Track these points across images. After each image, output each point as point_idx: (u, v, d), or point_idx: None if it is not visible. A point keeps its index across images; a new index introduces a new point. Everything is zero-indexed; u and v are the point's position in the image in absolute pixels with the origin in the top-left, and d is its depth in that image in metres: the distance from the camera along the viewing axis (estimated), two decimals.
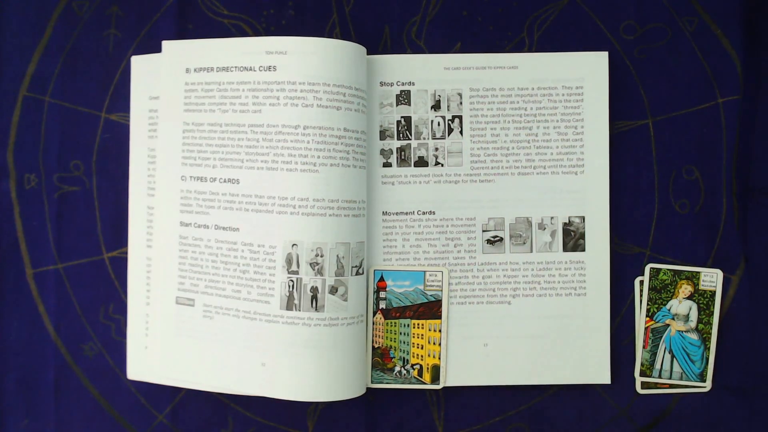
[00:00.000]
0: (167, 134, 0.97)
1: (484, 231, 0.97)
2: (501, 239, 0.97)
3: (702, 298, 0.98)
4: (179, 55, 0.97)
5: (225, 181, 0.95)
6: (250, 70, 0.94)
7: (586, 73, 0.97)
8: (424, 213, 0.97)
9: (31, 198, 1.00)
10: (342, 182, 0.92)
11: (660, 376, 0.99)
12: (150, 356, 0.98)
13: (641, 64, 0.99)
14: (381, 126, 0.97)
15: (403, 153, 0.97)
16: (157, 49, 0.98)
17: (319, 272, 0.93)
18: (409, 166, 0.97)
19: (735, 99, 0.99)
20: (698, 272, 0.98)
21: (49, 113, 1.00)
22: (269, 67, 0.94)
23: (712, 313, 0.98)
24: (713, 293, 0.98)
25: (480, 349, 0.98)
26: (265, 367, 0.94)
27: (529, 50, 0.99)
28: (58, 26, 1.00)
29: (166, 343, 0.97)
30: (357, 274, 0.94)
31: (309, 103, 0.92)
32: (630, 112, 0.99)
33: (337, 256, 0.93)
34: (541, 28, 0.99)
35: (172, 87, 0.97)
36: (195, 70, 0.96)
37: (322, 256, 0.93)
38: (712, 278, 0.98)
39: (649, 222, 0.99)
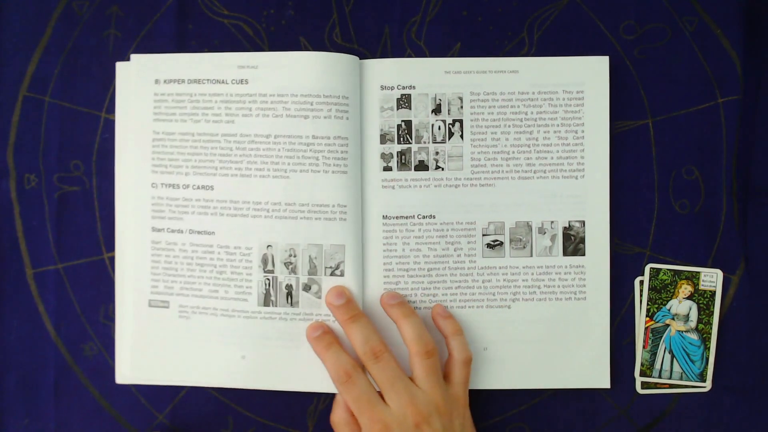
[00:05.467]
0: (134, 142, 0.98)
1: (484, 235, 0.97)
2: (501, 243, 0.97)
3: (702, 298, 0.98)
4: (148, 66, 0.98)
5: (199, 188, 0.97)
6: (223, 82, 0.97)
7: (587, 77, 0.97)
8: (424, 217, 0.97)
9: (31, 198, 1.00)
10: (311, 187, 0.95)
11: (660, 376, 0.99)
12: (125, 359, 0.99)
13: (641, 64, 0.99)
14: (382, 130, 0.97)
15: (403, 157, 0.97)
16: (157, 50, 0.99)
17: (293, 271, 0.96)
18: (410, 170, 0.97)
19: (735, 99, 0.99)
20: (698, 272, 0.99)
21: (49, 113, 1.00)
22: (241, 80, 0.97)
23: (712, 313, 0.98)
24: (713, 293, 0.98)
25: (480, 353, 0.98)
26: (245, 360, 0.97)
27: (529, 50, 0.99)
28: (58, 26, 1.00)
29: (138, 346, 0.99)
30: (332, 275, 0.96)
31: (279, 114, 0.96)
32: (630, 113, 0.99)
33: (309, 256, 0.96)
34: (540, 29, 0.99)
35: (139, 97, 0.98)
36: (165, 81, 0.98)
37: (295, 256, 0.96)
38: (712, 278, 0.98)
39: (649, 222, 0.99)
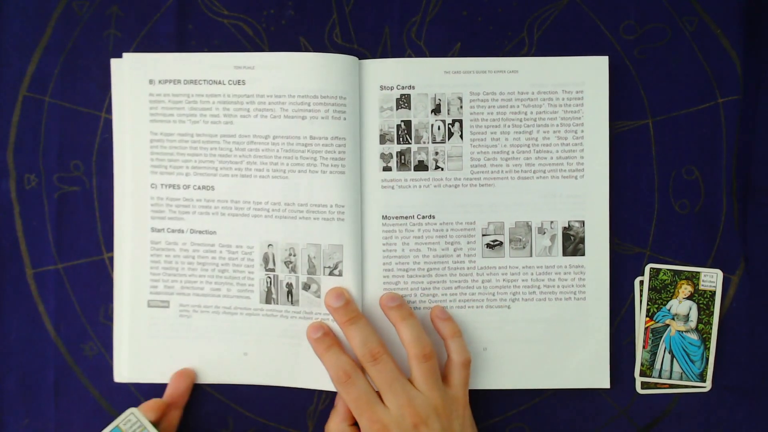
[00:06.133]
0: (132, 143, 0.99)
1: (483, 235, 0.97)
2: (501, 243, 0.97)
3: (702, 298, 0.98)
4: (141, 66, 0.98)
5: (199, 188, 0.98)
6: (220, 83, 0.97)
7: (587, 77, 0.97)
8: (423, 217, 0.97)
9: (31, 198, 1.00)
10: (309, 187, 0.96)
11: (660, 376, 0.99)
12: (123, 359, 1.00)
13: (641, 64, 0.99)
14: (381, 130, 0.97)
15: (403, 157, 0.97)
16: (157, 50, 0.99)
17: (293, 270, 0.97)
18: (409, 170, 0.97)
19: (735, 99, 0.99)
20: (698, 272, 0.99)
21: (49, 113, 1.00)
22: (238, 81, 0.97)
23: (712, 313, 0.98)
24: (713, 293, 0.98)
25: (479, 354, 0.98)
26: (248, 356, 0.99)
27: (529, 50, 0.99)
28: (58, 26, 1.00)
29: (137, 346, 0.99)
30: (331, 274, 0.96)
31: (276, 115, 0.96)
32: (630, 113, 0.99)
33: (308, 255, 0.97)
34: (540, 29, 0.99)
35: (135, 97, 0.98)
36: (159, 81, 0.98)
37: (294, 255, 0.97)
38: (712, 278, 0.98)
39: (649, 222, 0.99)
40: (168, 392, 0.98)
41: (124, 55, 0.98)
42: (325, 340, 0.94)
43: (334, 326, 0.95)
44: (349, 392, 0.91)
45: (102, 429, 0.94)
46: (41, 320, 1.00)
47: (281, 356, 0.98)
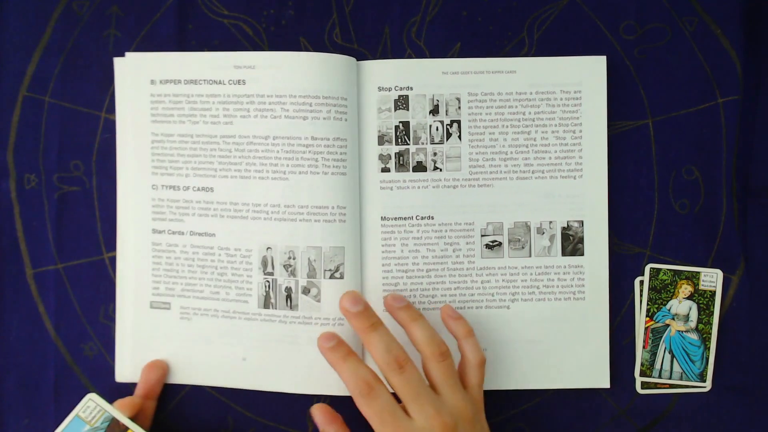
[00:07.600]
0: (134, 144, 0.99)
1: (482, 236, 0.97)
2: (500, 244, 0.97)
3: (702, 298, 0.98)
4: (143, 66, 0.98)
5: (199, 190, 0.98)
6: (220, 83, 0.97)
7: (585, 77, 0.97)
8: (422, 218, 0.97)
9: (31, 198, 1.00)
10: (311, 189, 0.95)
11: (660, 376, 0.99)
12: (126, 359, 1.00)
13: (641, 64, 0.99)
14: (379, 131, 0.97)
15: (401, 158, 0.97)
16: (157, 50, 0.99)
17: (292, 273, 0.96)
18: (408, 171, 0.97)
19: (735, 99, 0.98)
20: (698, 272, 0.98)
21: (49, 113, 1.00)
22: (238, 81, 0.97)
23: (712, 313, 0.98)
24: (713, 293, 0.98)
25: None
26: (246, 361, 0.98)
27: (529, 50, 0.98)
28: (58, 26, 1.00)
29: (139, 347, 0.99)
30: (332, 277, 0.96)
31: (277, 115, 0.96)
32: (630, 112, 0.99)
33: (309, 259, 0.96)
34: (540, 29, 0.99)
35: (136, 98, 0.98)
36: (161, 81, 0.98)
37: (294, 259, 0.96)
38: (712, 278, 0.98)
39: (649, 222, 0.99)
40: (140, 386, 0.98)
41: (127, 54, 0.98)
42: (340, 349, 0.90)
43: (339, 332, 0.95)
44: (371, 405, 0.87)
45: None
46: (41, 320, 1.00)
47: (280, 362, 0.98)
